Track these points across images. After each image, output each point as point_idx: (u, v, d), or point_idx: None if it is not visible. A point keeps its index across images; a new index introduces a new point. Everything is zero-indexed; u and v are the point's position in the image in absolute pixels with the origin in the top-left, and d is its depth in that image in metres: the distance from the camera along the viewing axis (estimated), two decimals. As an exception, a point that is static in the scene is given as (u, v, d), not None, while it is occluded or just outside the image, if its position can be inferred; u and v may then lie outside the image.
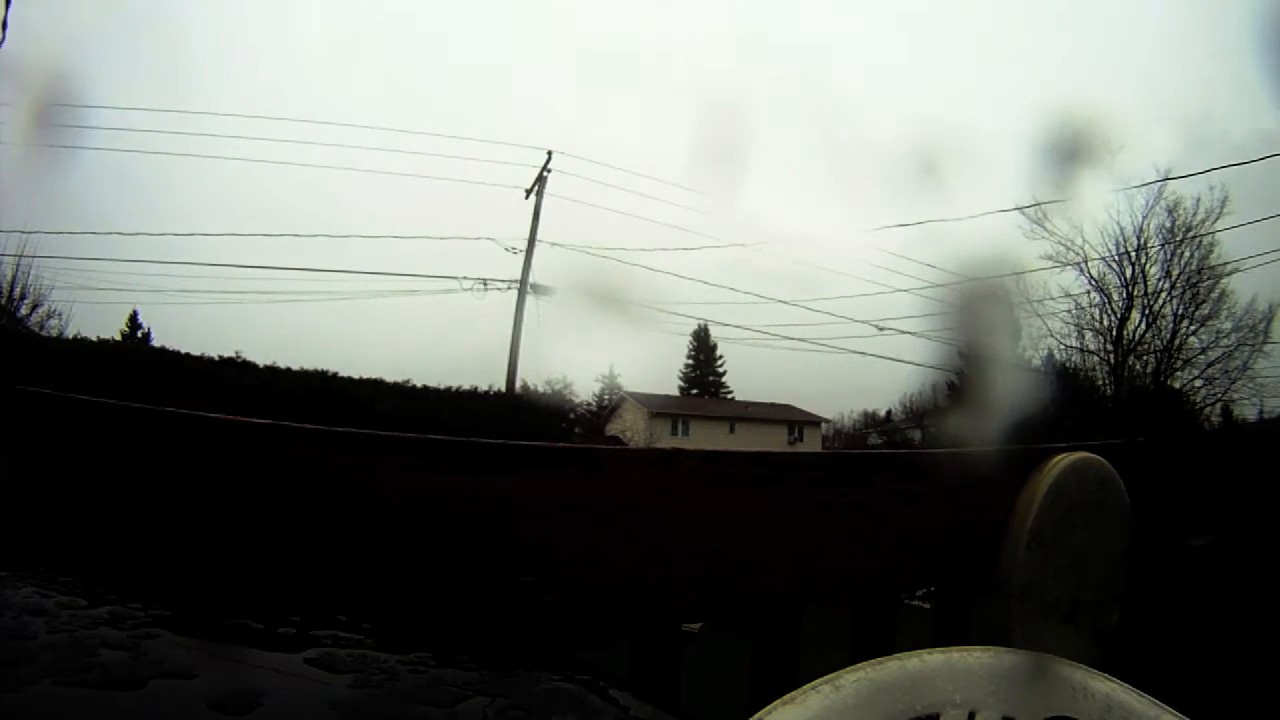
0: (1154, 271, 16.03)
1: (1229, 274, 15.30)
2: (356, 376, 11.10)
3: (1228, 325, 15.54)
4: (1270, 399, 15.40)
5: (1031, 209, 14.82)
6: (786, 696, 0.84)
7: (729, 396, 32.96)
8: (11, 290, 12.74)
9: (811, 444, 28.03)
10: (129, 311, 18.52)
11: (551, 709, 0.87)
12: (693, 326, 28.52)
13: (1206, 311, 15.68)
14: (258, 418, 1.29)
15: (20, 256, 12.56)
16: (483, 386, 13.34)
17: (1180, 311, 15.83)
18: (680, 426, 26.96)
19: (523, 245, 15.65)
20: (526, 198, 16.15)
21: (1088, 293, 16.41)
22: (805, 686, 0.85)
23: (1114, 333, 16.26)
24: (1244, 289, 15.30)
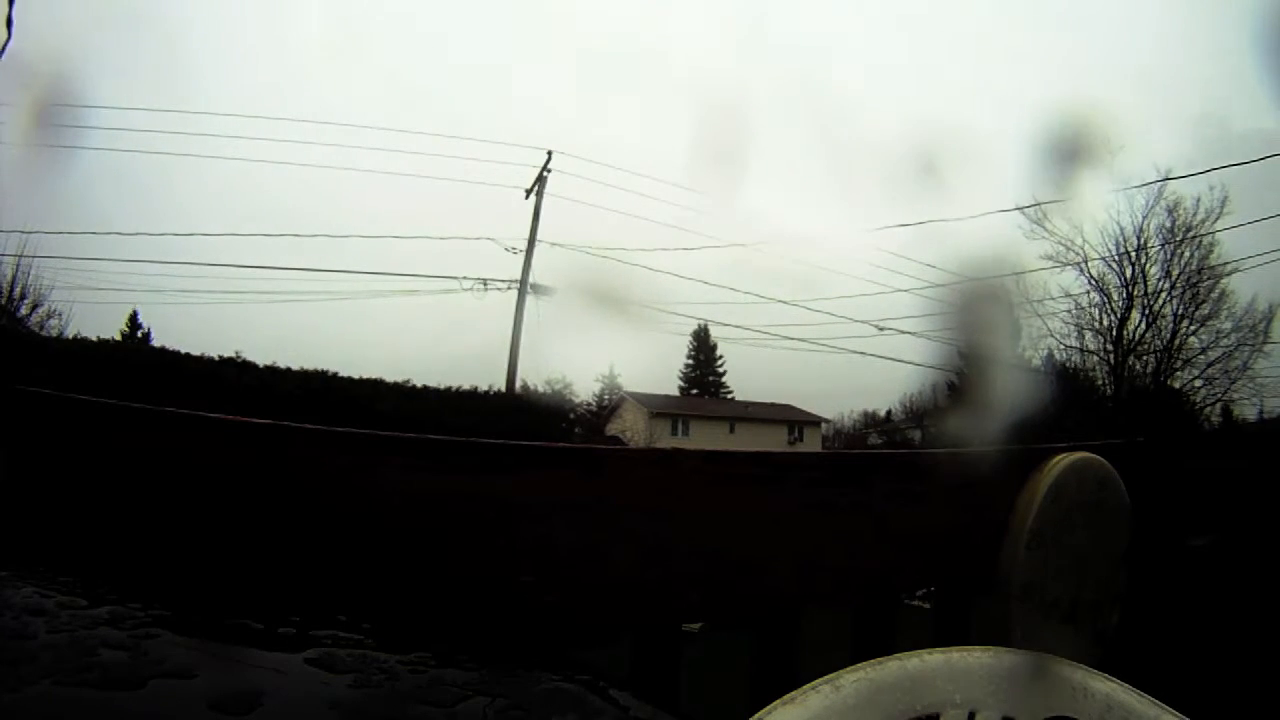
0: (1154, 271, 16.04)
1: (1229, 274, 15.32)
2: (356, 376, 11.11)
3: (1228, 325, 15.56)
4: (1270, 399, 15.41)
5: (1031, 209, 14.84)
6: (786, 696, 0.84)
7: (729, 396, 32.97)
8: (11, 290, 12.75)
9: (811, 444, 28.04)
10: (129, 311, 18.55)
11: (551, 709, 0.87)
12: (693, 326, 28.55)
13: (1206, 311, 15.69)
14: (258, 418, 1.29)
15: (20, 256, 12.57)
16: (483, 386, 13.36)
17: (1180, 311, 15.85)
18: (680, 426, 26.96)
19: (523, 245, 15.67)
20: (526, 198, 16.17)
21: (1088, 293, 16.43)
22: (805, 686, 0.85)
23: (1114, 333, 16.26)
24: (1244, 289, 15.32)
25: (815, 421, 29.44)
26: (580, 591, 1.37)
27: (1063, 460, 1.97)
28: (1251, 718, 1.83)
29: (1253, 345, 15.37)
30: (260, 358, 10.69)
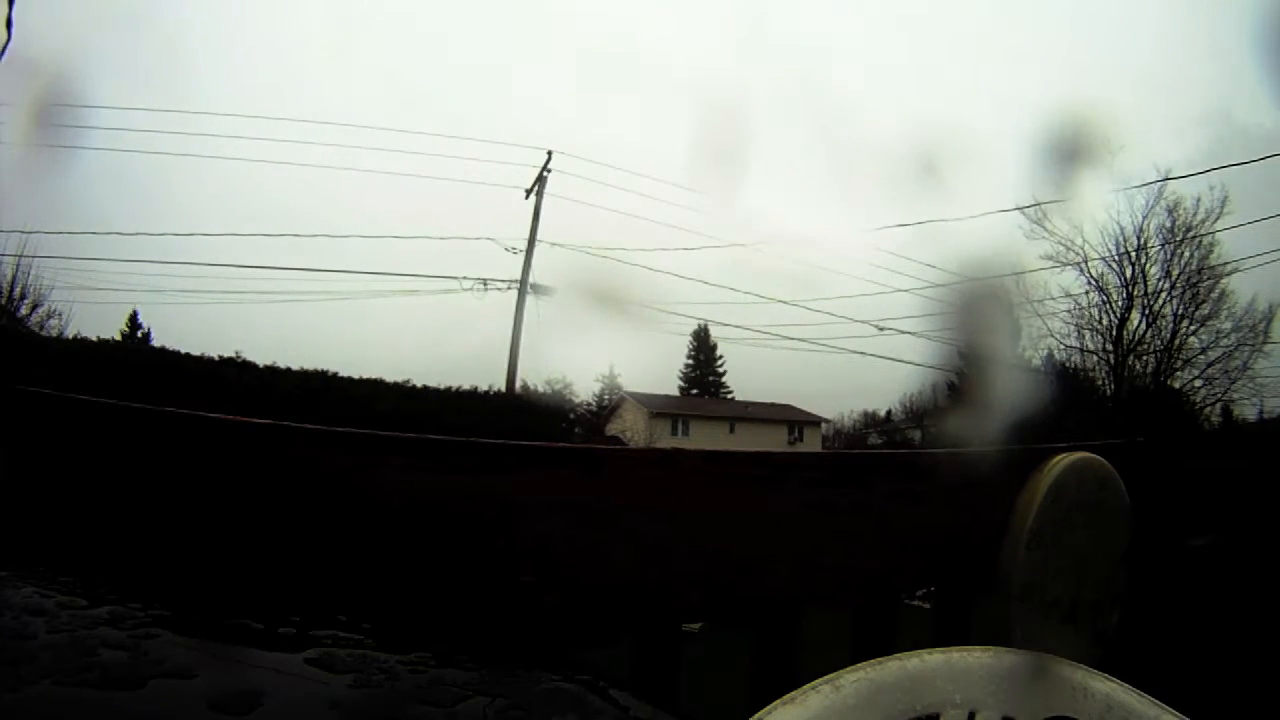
0: (1154, 271, 16.04)
1: (1229, 274, 15.32)
2: (356, 376, 11.11)
3: (1228, 325, 15.56)
4: (1270, 399, 15.42)
5: (1031, 209, 14.84)
6: (786, 696, 0.84)
7: (729, 396, 32.98)
8: (11, 290, 12.75)
9: (811, 444, 28.04)
10: (129, 311, 18.56)
11: (551, 709, 0.87)
12: (693, 326, 28.57)
13: (1206, 311, 15.70)
14: (258, 418, 1.29)
15: (20, 256, 12.58)
16: (483, 386, 13.36)
17: (1180, 311, 15.85)
18: (680, 426, 26.97)
19: (523, 245, 15.67)
20: (526, 198, 16.18)
21: (1087, 293, 16.42)
22: (805, 686, 0.85)
23: (1114, 333, 16.26)
24: (1244, 289, 15.32)
25: (815, 421, 29.44)
26: (580, 591, 1.37)
27: (1063, 460, 1.97)
28: (1251, 718, 1.83)
29: (1253, 345, 15.38)
30: (260, 358, 10.71)
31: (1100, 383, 16.43)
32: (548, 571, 1.33)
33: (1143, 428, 13.31)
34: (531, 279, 15.44)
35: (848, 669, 0.87)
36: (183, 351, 10.28)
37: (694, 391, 33.12)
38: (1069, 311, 16.53)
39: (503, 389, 14.53)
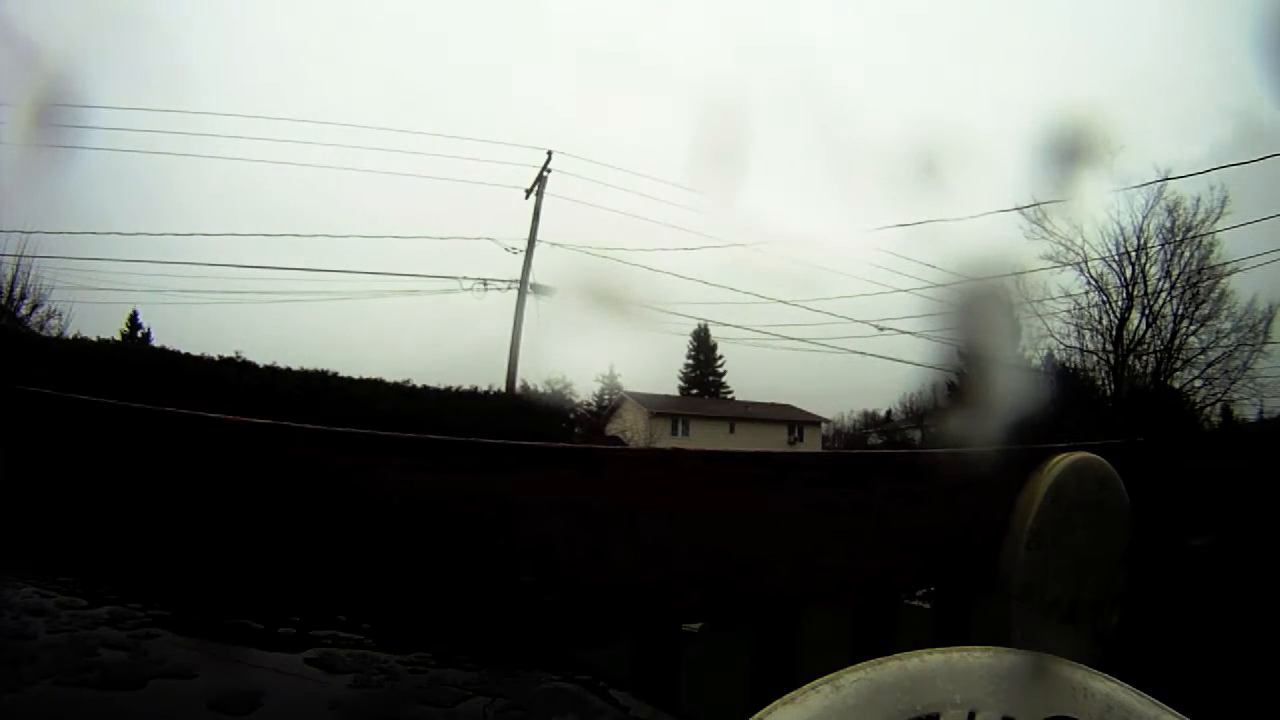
0: (1154, 271, 16.04)
1: (1229, 274, 15.32)
2: (356, 376, 11.11)
3: (1228, 325, 15.55)
4: (1270, 399, 15.41)
5: (1031, 209, 14.83)
6: (786, 696, 0.84)
7: (729, 396, 32.98)
8: (11, 290, 12.75)
9: (811, 444, 28.04)
10: (129, 311, 18.54)
11: (551, 709, 0.87)
12: (693, 326, 28.56)
13: (1206, 311, 15.69)
14: (258, 418, 1.29)
15: (20, 256, 12.57)
16: (483, 386, 13.35)
17: (1180, 311, 15.84)
18: (680, 426, 26.97)
19: (523, 245, 15.66)
20: (526, 198, 16.17)
21: (1087, 293, 16.42)
22: (805, 686, 0.85)
23: (1114, 333, 16.26)
24: (1244, 289, 15.32)
25: (815, 421, 29.44)
26: (580, 591, 1.37)
27: (1063, 460, 1.97)
28: (1251, 718, 1.83)
29: (1253, 345, 15.37)
30: (260, 358, 10.70)
31: (1100, 383, 16.43)
32: (548, 571, 1.33)
33: (1143, 428, 13.31)
34: (531, 279, 15.44)
35: (848, 669, 0.87)
36: (183, 351, 10.29)
37: (694, 391, 33.12)
38: (1069, 311, 16.53)
39: (503, 389, 14.54)
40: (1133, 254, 15.82)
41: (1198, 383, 15.95)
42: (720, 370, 34.38)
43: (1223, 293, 15.54)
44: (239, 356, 10.57)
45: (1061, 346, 16.70)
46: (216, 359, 10.34)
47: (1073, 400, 14.89)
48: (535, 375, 16.43)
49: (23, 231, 11.98)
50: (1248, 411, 15.66)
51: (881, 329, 16.85)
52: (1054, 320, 16.54)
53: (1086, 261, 16.20)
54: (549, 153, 16.15)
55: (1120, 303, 16.24)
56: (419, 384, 11.80)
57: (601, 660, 1.31)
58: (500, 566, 1.32)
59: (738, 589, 1.56)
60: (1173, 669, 1.63)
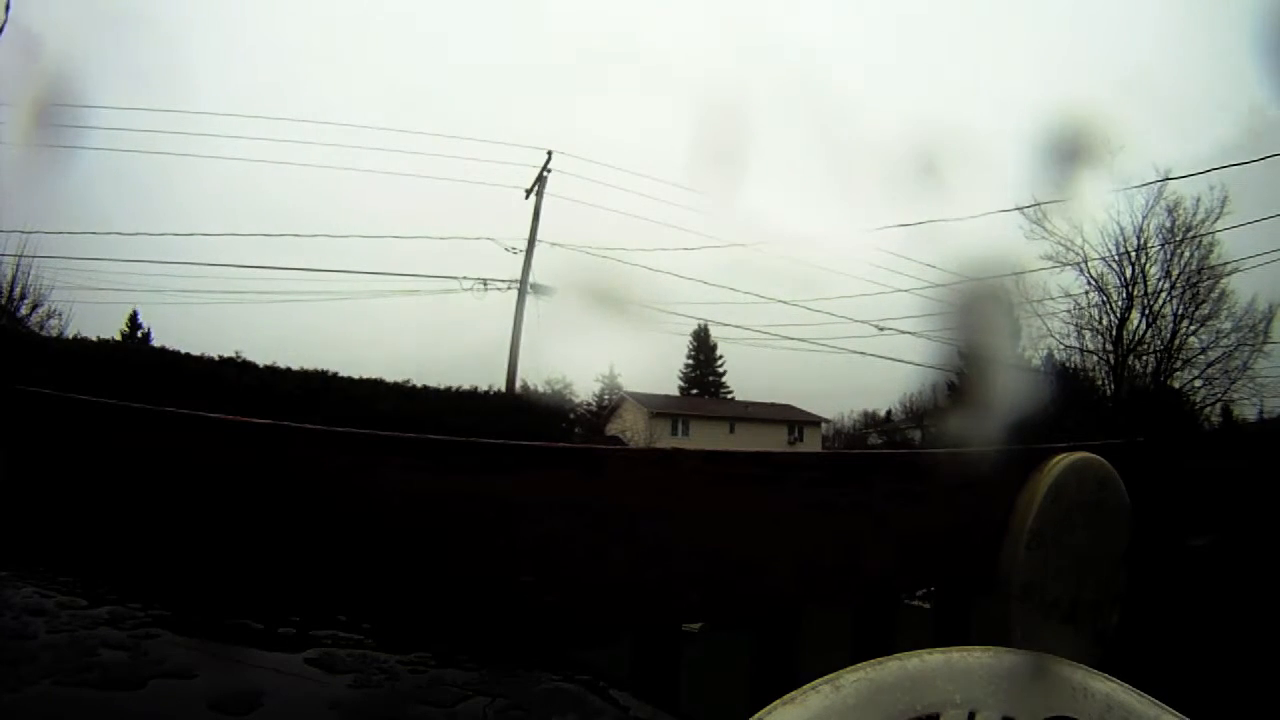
0: (1154, 271, 16.03)
1: (1229, 274, 15.32)
2: (356, 376, 11.11)
3: (1228, 325, 15.55)
4: (1270, 399, 15.41)
5: (1031, 209, 14.83)
6: (786, 696, 0.84)
7: (729, 396, 32.97)
8: (11, 290, 12.75)
9: (811, 444, 28.03)
10: (129, 311, 18.53)
11: (551, 709, 0.87)
12: (693, 326, 28.55)
13: (1206, 311, 15.68)
14: (258, 418, 1.29)
15: (20, 256, 12.58)
16: (483, 386, 13.35)
17: (1180, 311, 15.84)
18: (680, 426, 26.96)
19: (523, 245, 15.66)
20: (526, 198, 16.17)
21: (1087, 293, 16.41)
22: (805, 686, 0.85)
23: (1114, 333, 16.26)
24: (1244, 289, 15.31)
25: (815, 421, 29.43)
26: (580, 591, 1.37)
27: (1063, 460, 1.97)
28: (1251, 718, 1.83)
29: (1253, 345, 15.37)
30: (260, 358, 10.70)
31: (1100, 383, 16.43)
32: (548, 571, 1.33)
33: (1143, 428, 13.31)
34: (531, 279, 15.44)
35: (848, 669, 0.87)
36: (183, 351, 10.29)
37: (694, 391, 33.12)
38: (1069, 311, 16.53)
39: (503, 389, 14.54)
40: (1133, 254, 15.83)
41: (1198, 383, 15.95)
42: (720, 370, 34.38)
43: (1223, 293, 15.55)
44: (239, 356, 10.58)
45: (1061, 346, 16.71)
46: (216, 359, 10.35)
47: (1073, 400, 14.89)
48: (535, 375, 16.44)
49: (23, 231, 11.99)
50: (1248, 411, 15.66)
51: (881, 329, 16.85)
52: (1054, 320, 16.54)
53: (1086, 261, 16.21)
54: (549, 153, 16.16)
55: (1120, 303, 16.25)
56: (419, 384, 11.81)
57: (601, 660, 1.31)
58: (500, 566, 1.32)
59: (738, 589, 1.56)
60: (1173, 669, 1.63)
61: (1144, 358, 16.18)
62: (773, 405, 28.80)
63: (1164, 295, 15.95)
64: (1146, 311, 16.10)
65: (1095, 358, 16.51)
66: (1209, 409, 15.83)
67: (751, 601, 1.58)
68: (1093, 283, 16.34)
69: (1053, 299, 16.35)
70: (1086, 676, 0.93)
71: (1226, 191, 14.64)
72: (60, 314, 13.78)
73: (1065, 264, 16.16)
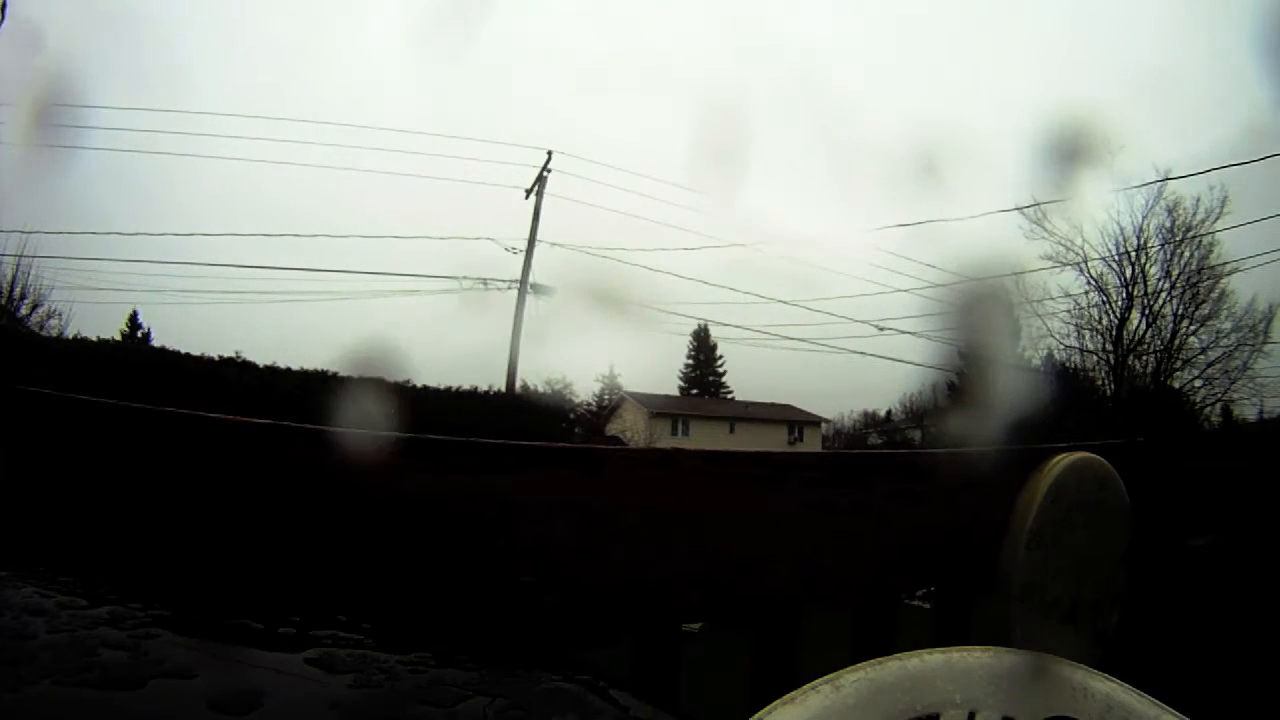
0: (1154, 271, 16.02)
1: (1229, 274, 15.31)
2: (356, 376, 11.08)
3: (1228, 325, 15.53)
4: (1270, 399, 15.39)
5: (1031, 209, 14.83)
6: (786, 696, 0.84)
7: (729, 396, 32.96)
8: (11, 290, 12.75)
9: (811, 444, 28.02)
10: (129, 311, 18.51)
11: (551, 709, 0.87)
12: (693, 326, 28.53)
13: (1206, 311, 15.66)
14: (258, 418, 1.29)
15: (20, 256, 12.58)
16: (483, 386, 13.35)
17: (1180, 311, 15.83)
18: (680, 426, 26.96)
19: (523, 245, 15.65)
20: (526, 198, 16.15)
21: (1087, 293, 16.41)
22: (805, 686, 0.85)
23: (1114, 333, 16.25)
24: (1244, 289, 15.30)
25: (815, 421, 29.43)
26: (580, 591, 1.37)
27: (1063, 460, 1.97)
28: (1251, 718, 1.83)
29: (1253, 345, 15.35)
30: (260, 358, 10.69)
31: (1100, 383, 16.42)
32: (548, 571, 1.33)
33: (1143, 428, 13.30)
34: (531, 279, 15.43)
35: (848, 669, 0.86)
36: (183, 351, 10.29)
37: (694, 391, 33.11)
38: (1069, 311, 16.51)
39: (503, 389, 14.53)
40: (1133, 254, 15.82)
41: (1198, 383, 15.94)
42: (720, 370, 34.37)
43: (1223, 293, 15.53)
44: (239, 356, 10.58)
45: (1061, 346, 16.69)
46: (216, 359, 10.35)
47: (1073, 400, 14.88)
48: (535, 375, 16.44)
49: (23, 231, 12.00)
50: (1248, 411, 15.65)
51: (881, 329, 16.83)
52: (1054, 320, 16.52)
53: (1086, 261, 16.19)
54: (549, 153, 16.14)
55: (1120, 303, 16.24)
56: (419, 384, 11.80)
57: (601, 660, 1.31)
58: (500, 566, 1.32)
59: (738, 589, 1.56)
60: (1173, 669, 1.63)
61: (1144, 358, 16.18)
62: (773, 405, 28.79)
63: (1164, 295, 15.95)
64: (1146, 311, 16.10)
65: (1095, 358, 16.51)
66: (1209, 409, 15.82)
67: (751, 601, 1.58)
68: (1093, 283, 16.33)
69: (1053, 299, 16.34)
70: (1086, 676, 0.93)
71: (1226, 191, 14.64)
72: (60, 314, 13.78)
73: (1065, 264, 16.15)
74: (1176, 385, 16.10)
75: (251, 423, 1.29)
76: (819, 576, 1.68)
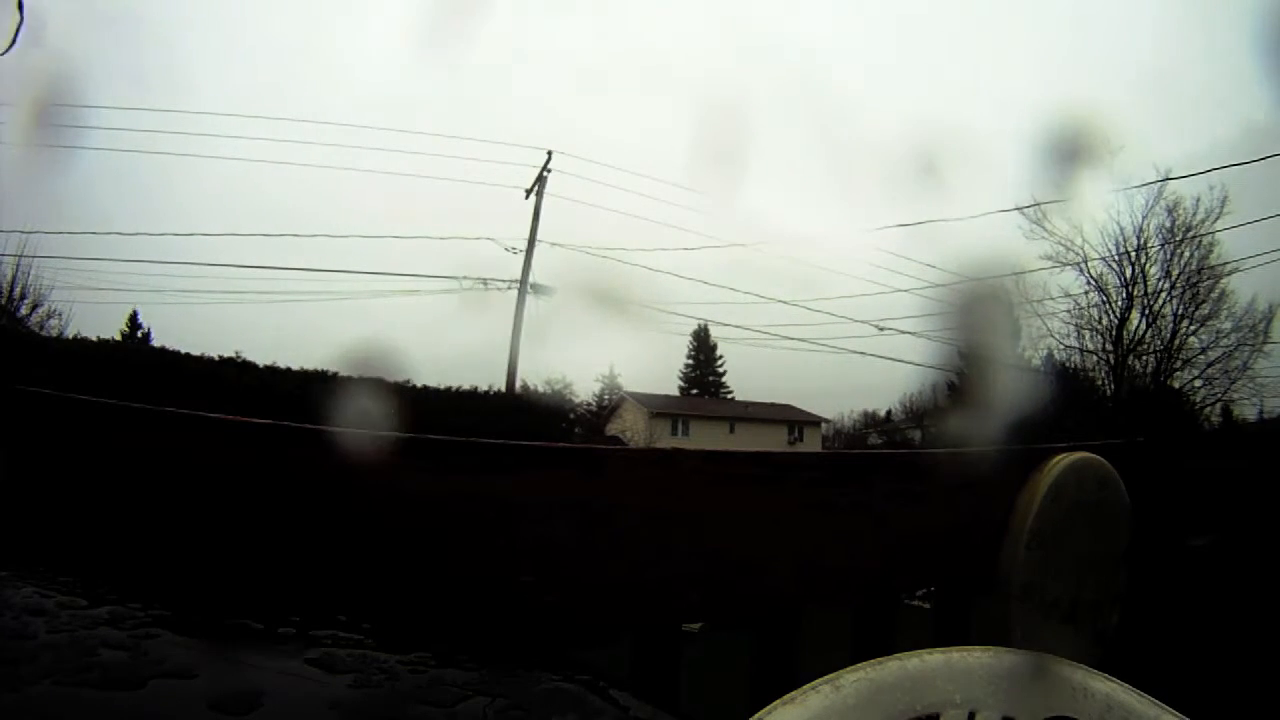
0: (1154, 271, 16.02)
1: (1229, 274, 15.30)
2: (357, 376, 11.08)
3: (1228, 325, 15.53)
4: (1270, 399, 15.39)
5: (1031, 209, 14.83)
6: (786, 696, 0.84)
7: (729, 396, 32.95)
8: (11, 290, 12.75)
9: (811, 444, 28.02)
10: (129, 311, 18.51)
11: (551, 709, 0.87)
12: (693, 326, 28.55)
13: (1206, 311, 15.66)
14: (258, 418, 1.29)
15: (20, 256, 12.58)
16: (483, 386, 13.35)
17: (1180, 311, 15.82)
18: (680, 426, 26.95)
19: (523, 245, 15.65)
20: (526, 198, 16.14)
21: (1087, 293, 16.40)
22: (805, 686, 0.85)
23: (1114, 333, 16.25)
24: (1244, 289, 15.30)
25: (815, 421, 29.42)
26: (580, 591, 1.37)
27: (1063, 460, 1.97)
28: (1251, 718, 1.83)
29: (1253, 345, 15.35)
30: (260, 358, 10.70)
31: (1100, 383, 16.42)
32: (548, 571, 1.33)
33: (1143, 428, 13.30)
34: (531, 279, 15.43)
35: (848, 669, 0.86)
36: (183, 351, 10.29)
37: (694, 391, 33.10)
38: (1069, 311, 16.51)
39: (503, 389, 14.53)
40: (1133, 254, 15.81)
41: (1198, 383, 15.94)
42: (720, 370, 34.36)
43: (1223, 293, 15.53)
44: (239, 356, 10.58)
45: (1061, 346, 16.69)
46: (216, 359, 10.35)
47: (1073, 400, 14.88)
48: (535, 375, 16.44)
49: (23, 231, 12.00)
50: (1248, 411, 15.65)
51: (881, 329, 16.83)
52: (1054, 320, 16.52)
53: (1086, 261, 16.19)
54: (549, 153, 16.13)
55: (1120, 303, 16.23)
56: (419, 384, 11.80)
57: (601, 660, 1.31)
58: (500, 566, 1.32)
59: (738, 589, 1.56)
60: (1173, 669, 1.63)
61: (1144, 358, 16.18)
62: (773, 405, 28.78)
63: (1164, 295, 15.95)
64: (1146, 311, 16.10)
65: (1095, 358, 16.51)
66: (1209, 409, 15.82)
67: (751, 601, 1.58)
68: (1092, 283, 16.33)
69: (1053, 299, 16.34)
70: (1086, 676, 0.93)
71: (1226, 191, 14.63)
72: (60, 314, 13.78)
73: (1065, 264, 16.15)
74: (1176, 385, 16.10)
75: (251, 423, 1.29)
76: (819, 576, 1.68)
